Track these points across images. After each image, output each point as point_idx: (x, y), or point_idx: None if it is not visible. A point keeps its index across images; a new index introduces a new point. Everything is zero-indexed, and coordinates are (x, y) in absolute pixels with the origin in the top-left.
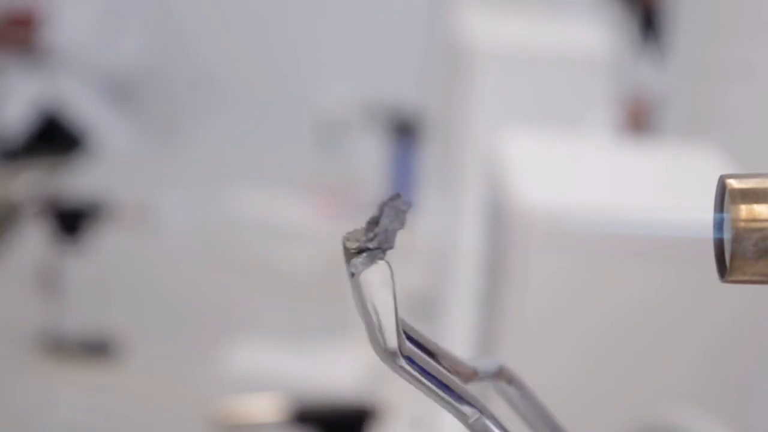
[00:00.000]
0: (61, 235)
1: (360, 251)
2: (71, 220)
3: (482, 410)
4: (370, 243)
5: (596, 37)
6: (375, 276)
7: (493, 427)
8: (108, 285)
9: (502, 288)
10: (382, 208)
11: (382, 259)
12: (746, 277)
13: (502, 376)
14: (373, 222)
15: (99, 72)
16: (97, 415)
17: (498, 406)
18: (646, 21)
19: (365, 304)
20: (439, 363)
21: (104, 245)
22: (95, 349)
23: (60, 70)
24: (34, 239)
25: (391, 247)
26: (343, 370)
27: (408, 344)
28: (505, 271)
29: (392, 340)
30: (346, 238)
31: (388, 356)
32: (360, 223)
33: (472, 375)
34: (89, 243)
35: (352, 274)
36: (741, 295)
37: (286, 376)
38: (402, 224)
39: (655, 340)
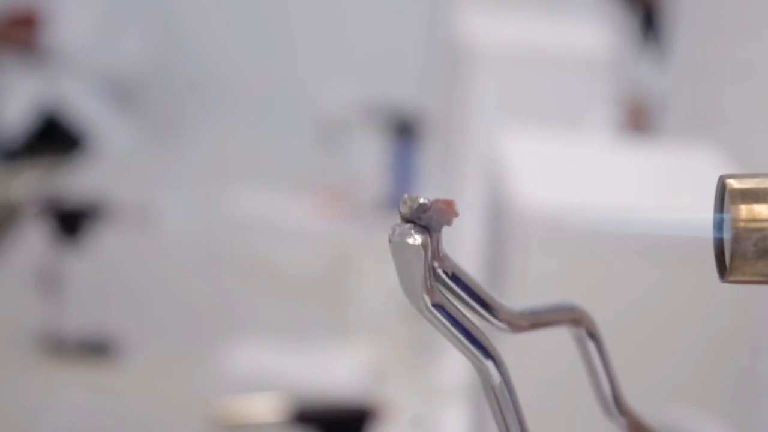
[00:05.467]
0: (61, 235)
1: (408, 221)
2: (71, 220)
3: (502, 371)
4: (418, 220)
5: (596, 37)
6: (412, 245)
7: (506, 389)
8: (108, 285)
9: (502, 288)
10: (431, 205)
11: (422, 235)
12: (746, 277)
13: (580, 323)
14: (424, 208)
15: (99, 72)
16: (97, 416)
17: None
18: (646, 21)
19: (400, 264)
20: (493, 314)
21: (104, 245)
22: (95, 349)
23: (60, 70)
24: (34, 239)
25: (437, 231)
26: (343, 370)
27: (440, 294)
28: (505, 271)
29: (420, 290)
30: (403, 202)
31: (418, 302)
32: (359, 223)
33: (524, 326)
34: (89, 243)
35: (390, 240)
36: (741, 295)
37: (286, 376)
38: (448, 223)
39: (655, 340)
